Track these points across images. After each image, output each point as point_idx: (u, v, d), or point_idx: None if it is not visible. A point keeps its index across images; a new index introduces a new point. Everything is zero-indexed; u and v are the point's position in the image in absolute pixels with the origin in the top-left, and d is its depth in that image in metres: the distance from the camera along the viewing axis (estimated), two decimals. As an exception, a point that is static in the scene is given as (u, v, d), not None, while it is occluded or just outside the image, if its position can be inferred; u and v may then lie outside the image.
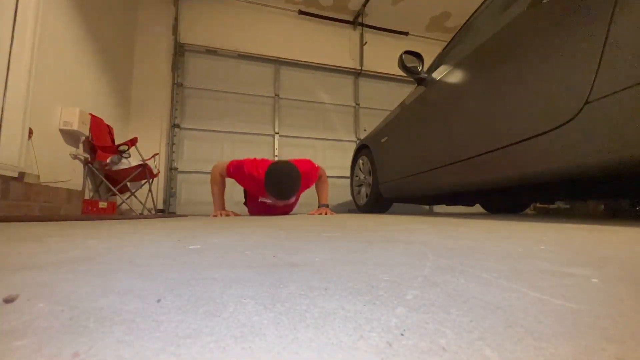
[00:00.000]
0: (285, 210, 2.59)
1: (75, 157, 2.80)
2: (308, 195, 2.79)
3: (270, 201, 2.26)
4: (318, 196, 2.48)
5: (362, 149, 3.03)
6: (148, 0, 4.33)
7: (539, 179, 1.29)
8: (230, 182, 2.37)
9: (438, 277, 0.40)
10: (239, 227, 1.14)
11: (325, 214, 2.27)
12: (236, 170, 2.21)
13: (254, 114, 4.59)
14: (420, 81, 2.17)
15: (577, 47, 1.05)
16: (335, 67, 5.02)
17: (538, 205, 4.08)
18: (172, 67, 4.31)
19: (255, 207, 2.53)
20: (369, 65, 5.15)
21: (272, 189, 1.97)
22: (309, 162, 2.28)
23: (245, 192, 2.60)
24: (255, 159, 2.22)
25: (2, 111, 1.97)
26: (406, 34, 5.43)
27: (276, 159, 4.38)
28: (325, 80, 5.02)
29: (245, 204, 2.71)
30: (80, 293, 0.34)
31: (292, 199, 2.16)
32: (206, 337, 0.24)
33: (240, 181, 2.30)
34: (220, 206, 2.27)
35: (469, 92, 1.63)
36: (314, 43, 4.97)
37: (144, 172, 3.06)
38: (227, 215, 2.21)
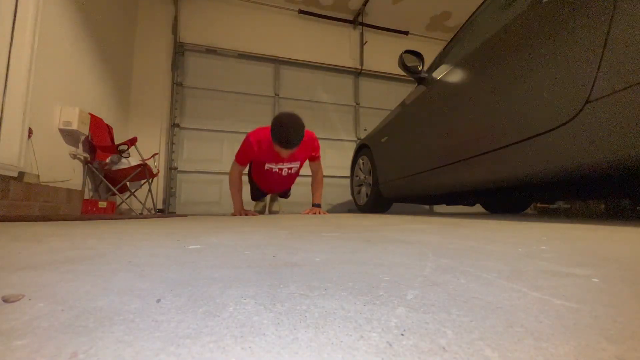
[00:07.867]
0: (289, 180, 2.66)
1: (74, 156, 2.79)
2: (307, 195, 2.80)
3: (276, 167, 2.38)
4: (313, 195, 2.53)
5: (362, 149, 3.02)
6: (148, 0, 4.33)
7: (539, 179, 1.29)
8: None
9: (438, 277, 0.40)
10: (239, 227, 1.14)
11: (319, 213, 2.31)
12: (245, 153, 2.31)
13: (254, 114, 4.59)
14: (420, 81, 2.17)
15: (578, 47, 1.05)
16: (335, 67, 5.01)
17: (538, 205, 4.08)
18: (172, 67, 4.31)
19: (261, 177, 2.59)
20: (369, 64, 5.14)
21: (279, 134, 2.07)
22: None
23: (250, 168, 2.67)
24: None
25: (2, 111, 1.96)
26: (406, 33, 5.43)
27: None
28: (325, 80, 5.01)
29: (249, 181, 2.79)
30: (80, 293, 0.34)
31: (296, 149, 2.22)
32: (206, 337, 0.24)
33: (253, 157, 2.38)
34: (239, 206, 2.35)
35: (470, 91, 1.63)
36: (314, 42, 4.96)
37: (143, 171, 3.05)
38: (247, 214, 2.26)
